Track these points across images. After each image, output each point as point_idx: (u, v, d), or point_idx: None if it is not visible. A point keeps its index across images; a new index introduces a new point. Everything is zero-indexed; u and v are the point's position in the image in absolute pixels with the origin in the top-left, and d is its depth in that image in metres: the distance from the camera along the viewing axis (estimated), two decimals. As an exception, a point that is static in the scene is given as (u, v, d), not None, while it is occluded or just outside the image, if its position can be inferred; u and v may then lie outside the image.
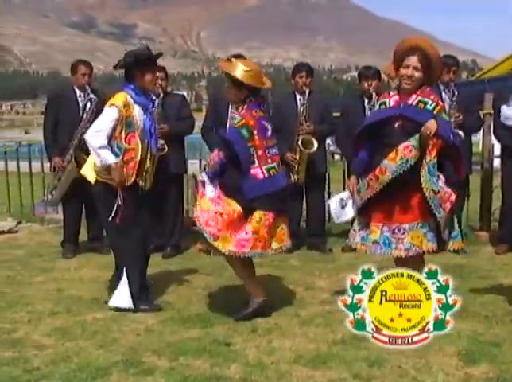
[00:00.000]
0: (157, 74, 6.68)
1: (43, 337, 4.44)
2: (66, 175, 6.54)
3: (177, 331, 4.48)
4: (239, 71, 4.56)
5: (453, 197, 4.47)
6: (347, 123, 6.86)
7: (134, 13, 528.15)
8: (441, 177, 4.46)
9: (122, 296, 4.96)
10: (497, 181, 7.16)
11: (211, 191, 4.58)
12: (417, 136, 4.35)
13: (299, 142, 6.67)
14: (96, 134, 4.88)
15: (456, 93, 6.66)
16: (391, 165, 4.38)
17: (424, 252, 4.55)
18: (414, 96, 4.49)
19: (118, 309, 4.93)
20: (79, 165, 6.41)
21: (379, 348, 4.09)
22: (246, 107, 4.61)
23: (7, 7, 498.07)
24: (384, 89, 8.51)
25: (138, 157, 4.89)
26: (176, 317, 4.76)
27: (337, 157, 12.98)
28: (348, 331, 4.35)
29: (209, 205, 4.54)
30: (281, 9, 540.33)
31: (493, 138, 7.18)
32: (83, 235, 7.18)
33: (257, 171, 4.56)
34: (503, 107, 4.80)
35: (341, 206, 4.97)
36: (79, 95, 6.73)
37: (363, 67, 7.19)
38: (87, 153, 6.54)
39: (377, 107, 4.72)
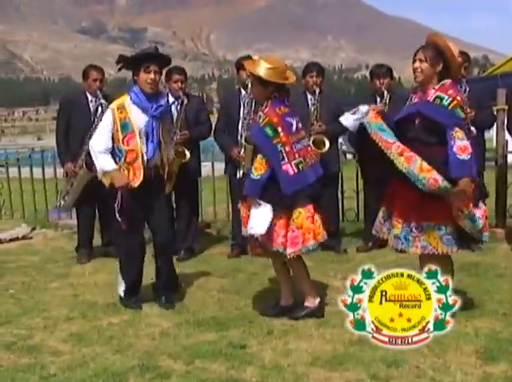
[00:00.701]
0: (177, 77, 6.70)
1: (59, 343, 4.44)
2: (78, 180, 6.55)
3: (193, 334, 4.48)
4: (262, 69, 4.57)
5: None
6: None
7: (144, 17, 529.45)
8: None
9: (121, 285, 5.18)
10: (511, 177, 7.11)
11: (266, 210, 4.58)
12: (449, 187, 4.29)
13: (310, 142, 6.63)
14: (96, 140, 4.98)
15: (468, 89, 6.63)
16: (415, 172, 4.31)
17: (438, 254, 4.50)
18: (433, 91, 4.48)
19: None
20: (91, 170, 6.44)
21: (397, 348, 4.08)
22: (269, 104, 4.61)
23: (17, 15, 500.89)
24: (396, 87, 8.48)
25: (140, 161, 4.89)
26: (191, 321, 4.75)
27: (349, 156, 12.93)
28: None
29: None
30: (290, 10, 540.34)
31: (507, 133, 7.13)
32: (97, 240, 7.18)
33: (288, 167, 4.59)
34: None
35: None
36: (91, 101, 6.74)
37: (375, 65, 7.15)
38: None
39: (407, 103, 4.76)
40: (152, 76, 4.89)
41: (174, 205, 6.98)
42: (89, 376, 3.84)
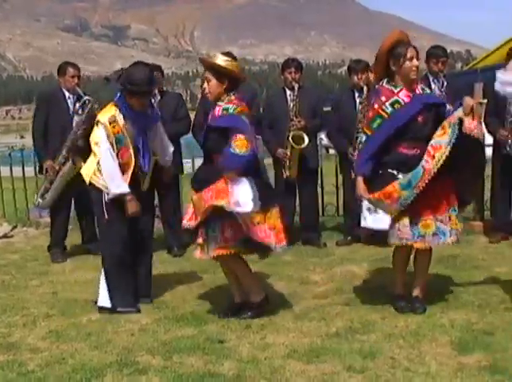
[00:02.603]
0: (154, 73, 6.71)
1: (38, 340, 4.44)
2: (61, 177, 6.52)
3: (171, 330, 4.49)
4: (221, 60, 4.58)
5: None
6: (338, 117, 6.89)
7: (127, 15, 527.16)
8: None
9: (103, 296, 5.01)
10: (489, 171, 7.17)
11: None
12: (460, 109, 4.46)
13: (290, 138, 6.67)
14: (106, 162, 4.87)
15: (446, 83, 6.69)
16: (443, 139, 4.40)
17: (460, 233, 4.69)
18: (416, 86, 4.60)
19: (102, 309, 4.98)
20: (77, 167, 6.46)
21: (373, 340, 4.15)
22: (234, 97, 4.59)
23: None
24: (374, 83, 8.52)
25: (131, 171, 4.89)
26: (170, 316, 4.76)
27: (332, 151, 12.98)
28: (342, 324, 4.44)
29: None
30: (274, 5, 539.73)
31: (484, 127, 7.18)
32: (77, 238, 7.19)
33: None
34: (499, 73, 4.78)
35: (374, 214, 4.65)
36: (68, 97, 6.73)
37: (353, 60, 7.20)
38: (82, 155, 6.58)
39: (389, 108, 4.56)
40: (144, 102, 4.94)
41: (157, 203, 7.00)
42: (67, 372, 3.86)
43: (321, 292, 5.26)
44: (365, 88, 6.69)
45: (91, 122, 6.51)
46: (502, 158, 6.71)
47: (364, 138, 4.69)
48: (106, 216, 4.91)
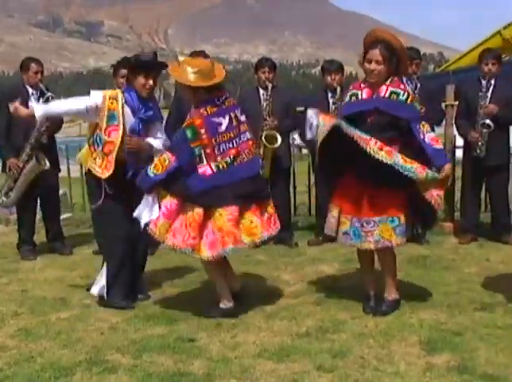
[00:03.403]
0: (124, 72, 6.63)
1: (6, 338, 4.39)
2: (25, 175, 6.44)
3: (141, 329, 4.47)
4: (187, 75, 4.56)
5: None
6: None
7: (101, 11, 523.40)
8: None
9: (99, 284, 5.02)
10: (460, 172, 7.24)
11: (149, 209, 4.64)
12: (436, 176, 4.42)
13: (263, 138, 6.67)
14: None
15: (419, 85, 6.74)
16: (401, 161, 4.37)
17: (392, 246, 4.60)
18: (385, 88, 4.54)
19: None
20: (41, 163, 6.39)
21: (343, 339, 4.17)
22: (196, 105, 4.58)
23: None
24: (348, 83, 8.55)
25: (115, 153, 4.84)
26: (140, 315, 4.74)
27: (305, 151, 13.02)
28: (313, 324, 4.46)
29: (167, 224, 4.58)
30: (248, 5, 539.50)
31: (455, 129, 7.26)
32: (42, 236, 7.17)
33: (206, 169, 4.53)
34: None
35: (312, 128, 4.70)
36: (32, 94, 6.64)
37: (326, 61, 7.22)
38: (46, 153, 6.52)
39: (347, 98, 4.70)
40: (150, 82, 4.91)
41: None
42: (36, 371, 3.82)
43: (292, 291, 5.27)
44: (338, 89, 6.71)
45: (54, 119, 6.49)
46: (472, 160, 6.79)
47: None
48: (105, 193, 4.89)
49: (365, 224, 4.55)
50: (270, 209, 4.81)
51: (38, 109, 4.99)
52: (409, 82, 6.71)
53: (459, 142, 7.31)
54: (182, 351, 4.04)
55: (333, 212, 4.75)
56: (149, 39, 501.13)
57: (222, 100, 4.65)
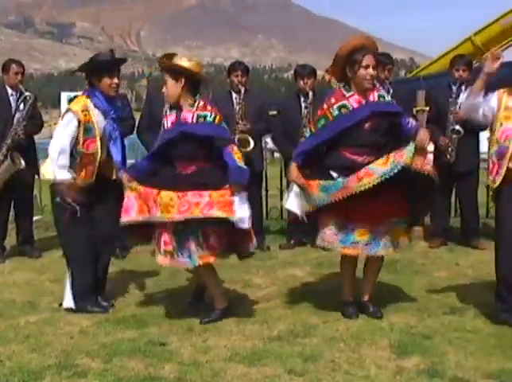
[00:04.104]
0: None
1: (-26, 342, 4.34)
2: (0, 174, 6.39)
3: (112, 332, 4.44)
4: (183, 60, 4.55)
5: None
6: (283, 121, 6.94)
7: (72, 12, 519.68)
8: None
9: (68, 296, 4.94)
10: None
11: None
12: (412, 147, 4.43)
13: (235, 141, 6.66)
14: (61, 153, 4.74)
15: (391, 91, 6.78)
16: (380, 169, 4.36)
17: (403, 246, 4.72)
18: (372, 93, 4.57)
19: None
20: (15, 163, 6.35)
21: (314, 343, 4.18)
22: (204, 103, 4.58)
23: None
24: (321, 87, 8.59)
25: (97, 163, 4.81)
26: (111, 319, 4.70)
27: (277, 154, 13.07)
28: (284, 327, 4.46)
29: None
30: (221, 8, 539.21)
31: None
32: (12, 239, 7.10)
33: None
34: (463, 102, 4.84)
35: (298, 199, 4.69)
36: (11, 94, 6.64)
37: (299, 65, 7.25)
38: (22, 153, 6.47)
39: (336, 111, 4.56)
40: (116, 80, 4.86)
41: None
42: (4, 375, 3.77)
43: (264, 295, 5.27)
44: (310, 93, 6.74)
45: (31, 119, 6.45)
46: (442, 165, 6.81)
47: (308, 133, 4.76)
48: (68, 216, 4.80)
49: (383, 232, 4.55)
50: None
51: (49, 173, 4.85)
52: (381, 87, 6.76)
53: (430, 147, 7.36)
54: (153, 355, 4.02)
55: (330, 226, 4.59)
56: (121, 41, 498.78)
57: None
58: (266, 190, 8.05)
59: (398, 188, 4.48)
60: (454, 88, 6.74)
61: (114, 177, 4.93)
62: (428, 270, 5.96)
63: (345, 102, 4.55)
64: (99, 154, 4.82)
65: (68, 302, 4.94)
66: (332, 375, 3.71)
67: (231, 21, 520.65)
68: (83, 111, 4.77)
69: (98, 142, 4.81)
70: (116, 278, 5.78)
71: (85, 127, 4.77)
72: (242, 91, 6.83)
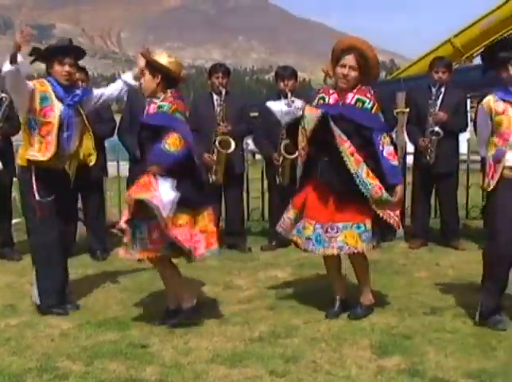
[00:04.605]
0: (77, 75, 6.56)
1: (-46, 345, 4.31)
2: None
3: (93, 335, 4.42)
4: (162, 57, 4.54)
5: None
6: (265, 123, 6.94)
7: (52, 14, 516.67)
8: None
9: (34, 294, 4.91)
10: (410, 178, 7.35)
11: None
12: (389, 198, 4.45)
13: (216, 143, 6.68)
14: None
15: (372, 92, 6.81)
16: (363, 176, 4.39)
17: (359, 252, 4.58)
18: (351, 95, 4.57)
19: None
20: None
21: (296, 344, 4.19)
22: (170, 95, 4.52)
23: None
24: (302, 89, 8.60)
25: (55, 131, 4.75)
26: (92, 321, 4.69)
27: (258, 156, 13.08)
28: (266, 329, 4.47)
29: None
30: (202, 10, 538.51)
31: (405, 135, 7.38)
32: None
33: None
34: None
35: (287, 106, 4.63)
36: None
37: (280, 67, 7.26)
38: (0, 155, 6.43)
39: (315, 101, 4.65)
40: (66, 68, 4.83)
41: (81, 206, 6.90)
42: (-15, 378, 3.76)
43: (245, 297, 5.28)
44: (289, 95, 6.73)
45: (8, 121, 6.40)
46: (422, 167, 6.89)
47: None
48: (38, 214, 4.79)
49: (329, 230, 4.52)
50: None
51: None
52: (368, 91, 6.79)
53: (410, 148, 7.42)
54: (134, 357, 4.01)
55: (290, 213, 4.75)
56: (102, 42, 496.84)
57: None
58: (247, 192, 8.06)
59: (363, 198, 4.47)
60: (433, 90, 6.78)
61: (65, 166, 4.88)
62: (409, 271, 5.99)
63: (325, 95, 4.64)
64: (57, 123, 4.76)
65: (35, 298, 4.94)
66: (314, 375, 3.72)
67: (212, 22, 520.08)
68: (38, 82, 4.82)
69: (56, 110, 4.77)
70: (97, 281, 5.76)
71: (41, 96, 4.77)
72: (223, 93, 6.83)
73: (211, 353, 4.07)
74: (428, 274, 5.86)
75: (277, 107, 4.71)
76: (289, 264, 6.26)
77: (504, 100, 4.37)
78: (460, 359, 3.93)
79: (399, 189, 4.55)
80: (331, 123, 4.41)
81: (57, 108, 4.80)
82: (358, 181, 4.37)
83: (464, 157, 7.90)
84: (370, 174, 4.40)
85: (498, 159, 4.36)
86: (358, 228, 4.53)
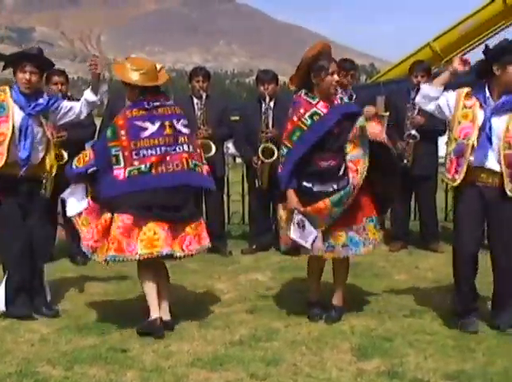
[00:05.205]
0: (56, 79, 6.55)
1: None
2: None
3: (73, 340, 4.41)
4: (131, 73, 4.52)
5: None
6: (245, 127, 6.96)
7: (32, 17, 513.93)
8: None
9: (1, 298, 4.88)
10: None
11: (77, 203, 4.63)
12: (362, 118, 4.56)
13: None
14: None
15: (354, 96, 6.85)
16: (357, 153, 4.52)
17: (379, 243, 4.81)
18: (335, 98, 4.62)
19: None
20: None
21: (276, 347, 4.20)
22: (126, 105, 4.57)
23: None
24: (282, 93, 8.62)
25: (7, 142, 4.71)
26: (72, 326, 4.67)
27: (239, 160, 13.07)
28: (246, 332, 4.48)
29: (88, 220, 4.58)
30: (183, 14, 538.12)
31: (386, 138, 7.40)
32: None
33: (120, 172, 4.45)
34: (423, 85, 4.85)
35: (301, 229, 4.55)
36: None
37: (261, 71, 7.27)
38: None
39: (309, 121, 4.54)
40: (27, 76, 4.80)
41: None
42: (-36, 385, 3.74)
43: (226, 300, 5.28)
44: (267, 99, 6.76)
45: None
46: (401, 170, 6.92)
47: (285, 151, 4.61)
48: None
49: (361, 231, 4.62)
50: (189, 230, 4.59)
51: None
52: (344, 93, 6.82)
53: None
54: (114, 361, 4.01)
55: (320, 233, 4.58)
56: (82, 45, 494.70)
57: (154, 105, 4.58)
58: (228, 195, 8.06)
59: (363, 186, 4.55)
60: (412, 94, 6.83)
61: (21, 173, 4.82)
62: (389, 274, 6.03)
63: (315, 109, 4.56)
64: (9, 135, 4.73)
65: (1, 305, 4.89)
66: (294, 378, 3.75)
67: (193, 26, 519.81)
68: None
69: (11, 125, 4.75)
70: (77, 285, 5.73)
71: None
72: (204, 97, 6.83)
73: (192, 357, 4.07)
74: (407, 277, 5.90)
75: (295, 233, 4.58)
76: (270, 267, 6.28)
77: (476, 97, 4.44)
78: (439, 360, 3.97)
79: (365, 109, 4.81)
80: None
81: (14, 117, 4.78)
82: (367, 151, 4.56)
83: (443, 160, 7.94)
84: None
85: (461, 153, 4.41)
86: (372, 220, 4.69)
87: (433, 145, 7.01)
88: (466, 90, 4.53)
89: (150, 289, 4.62)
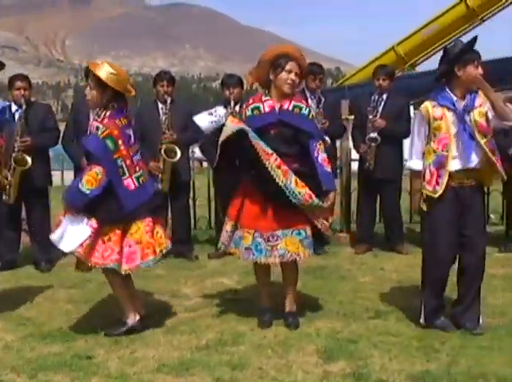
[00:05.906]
0: (19, 84, 6.50)
1: None
2: None
3: (37, 347, 4.36)
4: (104, 72, 4.44)
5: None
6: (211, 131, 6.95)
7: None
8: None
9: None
10: (356, 184, 7.44)
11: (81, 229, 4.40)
12: (320, 203, 4.46)
13: (162, 151, 6.66)
14: None
15: (323, 100, 6.90)
16: (292, 187, 4.41)
17: (301, 258, 4.59)
18: (288, 101, 4.58)
19: None
20: None
21: (242, 351, 4.20)
22: (108, 114, 4.43)
23: None
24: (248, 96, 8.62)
25: None
26: (36, 333, 4.62)
27: (205, 164, 13.03)
28: (212, 336, 4.47)
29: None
30: (148, 18, 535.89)
31: (350, 142, 7.46)
32: None
33: (129, 182, 4.42)
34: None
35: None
36: None
37: (226, 75, 7.29)
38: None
39: (249, 112, 4.64)
40: None
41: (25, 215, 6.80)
42: None
43: (192, 305, 5.27)
44: (232, 103, 6.76)
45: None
46: (365, 173, 7.00)
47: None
48: None
49: (270, 239, 4.52)
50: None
51: None
52: (312, 97, 6.87)
53: (355, 154, 7.52)
54: (79, 368, 3.97)
55: (227, 226, 4.72)
56: (46, 50, 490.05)
57: (128, 112, 4.60)
58: (194, 200, 8.06)
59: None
60: (374, 97, 6.91)
61: None
62: (354, 276, 6.07)
63: (259, 104, 4.62)
64: None
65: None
66: (260, 382, 3.75)
67: (159, 30, 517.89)
68: None
69: None
70: (41, 292, 5.67)
71: None
72: (169, 101, 6.81)
73: (158, 362, 4.05)
74: (372, 279, 5.95)
75: (202, 120, 4.75)
76: (236, 272, 6.28)
77: (442, 105, 4.45)
78: (404, 361, 4.00)
79: (332, 195, 4.60)
80: (252, 138, 4.42)
81: None
82: (288, 192, 4.39)
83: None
84: (299, 183, 4.42)
85: (441, 164, 4.40)
86: (299, 234, 4.55)
87: (397, 148, 7.07)
88: (428, 104, 4.51)
89: (126, 293, 4.65)
